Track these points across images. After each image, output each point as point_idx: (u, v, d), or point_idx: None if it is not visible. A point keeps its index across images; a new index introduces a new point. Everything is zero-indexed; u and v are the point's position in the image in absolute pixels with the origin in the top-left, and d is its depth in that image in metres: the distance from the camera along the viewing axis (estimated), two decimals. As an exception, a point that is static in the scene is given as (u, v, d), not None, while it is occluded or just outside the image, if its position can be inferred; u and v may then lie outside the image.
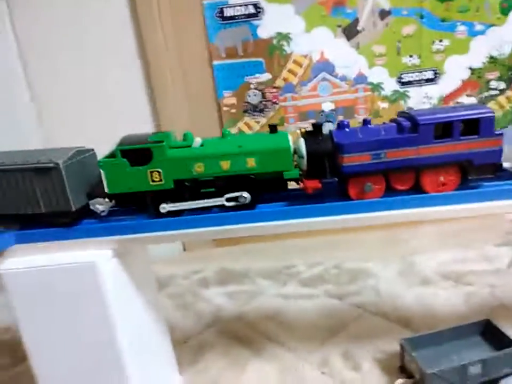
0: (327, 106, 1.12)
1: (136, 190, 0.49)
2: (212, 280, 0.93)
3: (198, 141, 0.50)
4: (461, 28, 1.08)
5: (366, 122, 0.50)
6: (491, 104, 1.10)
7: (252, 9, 1.04)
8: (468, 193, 0.48)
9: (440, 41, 1.09)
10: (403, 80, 1.11)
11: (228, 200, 0.49)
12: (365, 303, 0.80)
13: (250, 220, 0.49)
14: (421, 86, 1.11)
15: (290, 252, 1.03)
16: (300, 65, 1.08)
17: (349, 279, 0.89)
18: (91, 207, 0.49)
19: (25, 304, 0.46)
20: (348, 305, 0.80)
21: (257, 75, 1.09)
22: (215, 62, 1.07)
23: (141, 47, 1.03)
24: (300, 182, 0.50)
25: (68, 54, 1.03)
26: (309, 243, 1.04)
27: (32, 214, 0.48)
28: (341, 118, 1.12)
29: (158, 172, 0.48)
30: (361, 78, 1.10)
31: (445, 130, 0.47)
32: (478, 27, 1.07)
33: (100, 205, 0.49)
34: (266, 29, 1.05)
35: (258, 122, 1.12)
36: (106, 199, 0.50)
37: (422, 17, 1.07)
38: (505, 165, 0.51)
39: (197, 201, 0.49)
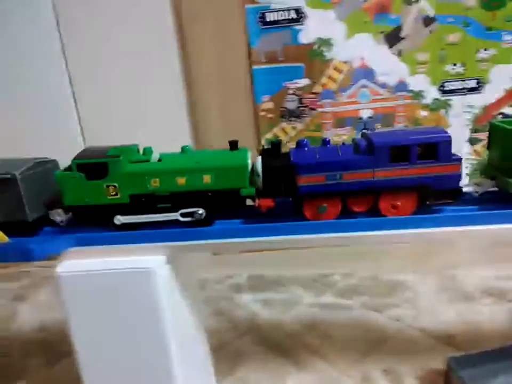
0: (366, 114, 1.10)
1: (92, 203, 0.49)
2: (245, 287, 0.93)
3: (155, 155, 0.51)
4: (507, 37, 1.05)
5: (325, 142, 0.50)
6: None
7: (293, 14, 1.03)
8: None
9: (485, 50, 1.06)
10: (445, 89, 1.08)
11: (183, 215, 0.49)
12: (404, 317, 0.78)
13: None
14: (464, 95, 1.09)
15: (323, 260, 1.02)
16: (340, 71, 1.07)
17: (386, 292, 0.87)
18: (50, 217, 0.50)
19: (78, 306, 0.46)
20: (386, 318, 0.78)
21: (296, 80, 1.08)
22: (255, 67, 1.07)
23: (182, 49, 1.03)
24: (255, 200, 0.50)
25: (109, 59, 1.04)
26: (340, 251, 1.02)
27: None
28: (379, 125, 1.10)
29: (114, 186, 0.48)
30: (402, 86, 1.08)
31: (402, 153, 0.46)
32: (525, 37, 1.04)
33: (59, 216, 0.50)
34: (307, 34, 1.04)
35: (294, 128, 1.11)
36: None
37: (467, 25, 1.05)
38: (467, 189, 0.50)
39: (151, 215, 0.49)
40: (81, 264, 0.46)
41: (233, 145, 0.51)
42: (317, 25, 1.04)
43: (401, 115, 1.10)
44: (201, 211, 0.49)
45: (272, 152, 0.49)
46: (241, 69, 1.07)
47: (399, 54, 1.06)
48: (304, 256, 1.03)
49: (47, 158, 0.54)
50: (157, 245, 0.47)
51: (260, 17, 1.03)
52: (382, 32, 1.05)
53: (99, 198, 0.49)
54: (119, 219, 0.49)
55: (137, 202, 0.49)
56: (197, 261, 1.01)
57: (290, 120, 1.11)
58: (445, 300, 0.83)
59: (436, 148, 0.45)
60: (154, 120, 1.07)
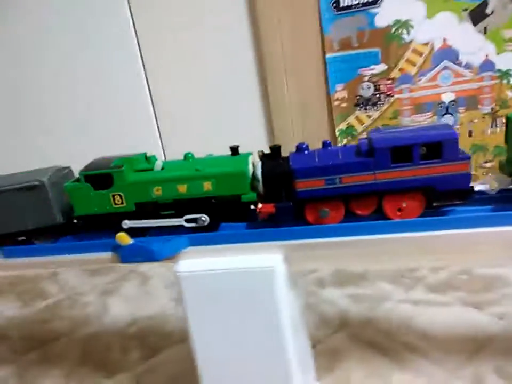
0: (447, 97, 1.04)
1: (100, 212, 0.52)
2: (328, 281, 0.91)
3: (158, 164, 0.52)
4: None
5: (325, 144, 0.49)
6: None
7: (369, -3, 0.99)
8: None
9: None
10: (537, 67, 1.00)
11: (187, 221, 0.50)
12: (508, 314, 0.72)
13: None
14: (558, 72, 1.00)
15: (406, 254, 0.97)
16: (420, 54, 1.01)
17: (483, 287, 0.81)
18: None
19: (197, 305, 0.45)
20: (488, 315, 0.73)
21: (371, 66, 1.03)
22: (328, 55, 1.03)
23: (256, 39, 1.02)
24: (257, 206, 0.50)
25: (182, 44, 1.05)
26: (421, 246, 0.97)
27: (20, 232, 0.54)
28: (462, 109, 1.04)
29: (119, 195, 0.51)
30: (488, 65, 1.00)
31: (404, 154, 0.44)
32: None
33: None
34: (384, 16, 0.99)
35: (370, 116, 1.07)
36: None
37: (561, -5, 0.95)
38: (481, 187, 0.48)
39: (157, 220, 0.51)
40: (200, 263, 0.46)
41: (234, 150, 0.51)
42: (394, 7, 0.99)
43: (486, 97, 1.03)
44: (204, 217, 0.50)
45: (271, 157, 0.49)
46: (314, 59, 1.04)
47: (485, 31, 0.99)
48: (385, 250, 0.99)
49: (63, 165, 0.58)
50: (273, 243, 0.46)
51: (333, 3, 1.00)
52: (465, 10, 0.98)
53: (106, 207, 0.52)
54: (126, 223, 0.52)
55: (142, 210, 0.51)
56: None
57: (366, 109, 1.07)
58: (551, 295, 0.76)
59: (440, 147, 0.43)
60: (228, 113, 1.07)
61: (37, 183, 0.52)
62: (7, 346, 0.82)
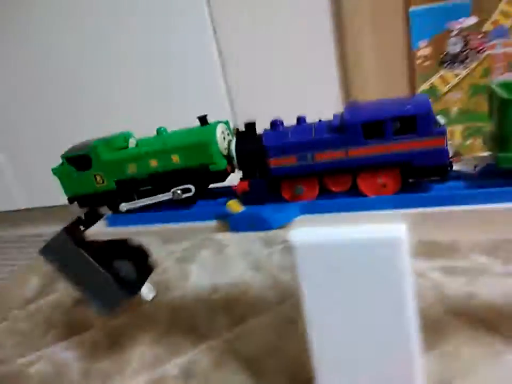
0: (548, 52, 0.94)
1: (86, 192, 0.54)
2: (417, 253, 0.86)
3: (132, 141, 0.54)
4: None
5: (300, 120, 0.47)
6: None
7: None
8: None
9: None
10: None
11: (174, 193, 0.51)
12: None
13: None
14: None
15: (499, 224, 0.91)
16: (518, 4, 0.91)
17: None
18: None
19: (312, 276, 0.43)
20: None
21: (461, 19, 0.94)
22: (412, 8, 0.95)
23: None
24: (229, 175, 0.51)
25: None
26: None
27: None
28: None
29: (99, 175, 0.53)
30: None
31: (376, 129, 0.42)
32: None
33: None
34: (478, -38, 0.89)
35: (457, 75, 0.99)
36: None
37: None
38: (462, 168, 0.46)
39: (148, 198, 0.52)
40: (316, 232, 0.43)
41: (202, 120, 0.50)
42: (491, -50, 0.89)
43: None
44: (190, 188, 0.50)
45: (246, 134, 0.49)
46: (396, 12, 0.96)
47: None
48: (475, 220, 0.93)
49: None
50: (396, 212, 0.42)
51: (421, -52, 0.91)
52: None
53: (91, 187, 0.54)
54: (124, 206, 0.53)
55: (123, 188, 0.53)
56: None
57: (452, 67, 0.98)
58: None
59: (415, 121, 0.41)
60: (301, 73, 1.02)
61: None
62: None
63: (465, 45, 0.96)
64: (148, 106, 1.14)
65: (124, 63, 1.12)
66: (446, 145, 0.42)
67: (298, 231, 0.44)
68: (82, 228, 0.57)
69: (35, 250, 1.35)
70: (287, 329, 0.70)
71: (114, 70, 1.14)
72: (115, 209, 0.55)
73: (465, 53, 0.96)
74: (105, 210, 0.59)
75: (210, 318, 0.76)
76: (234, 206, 0.46)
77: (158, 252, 1.05)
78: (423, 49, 0.98)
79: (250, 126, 0.48)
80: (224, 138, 0.50)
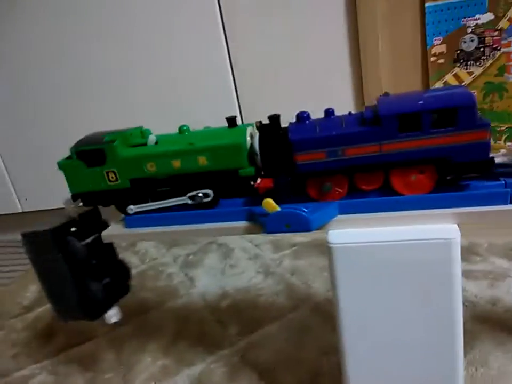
0: None
1: (95, 190, 0.50)
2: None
3: (152, 138, 0.49)
4: None
5: (328, 113, 0.44)
6: None
7: None
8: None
9: None
10: None
11: (190, 198, 0.48)
12: None
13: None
14: None
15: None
16: (535, -1, 0.88)
17: None
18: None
19: (351, 279, 0.40)
20: None
21: (477, 16, 0.91)
22: (428, 3, 0.92)
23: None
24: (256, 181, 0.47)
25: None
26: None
27: None
28: None
29: (113, 172, 0.49)
30: None
31: (413, 122, 0.39)
32: None
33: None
34: (496, -44, 0.87)
35: (471, 73, 0.96)
36: None
37: None
38: (498, 159, 0.43)
39: (160, 202, 0.49)
40: (355, 234, 0.40)
41: (231, 122, 0.47)
42: None
43: None
44: (208, 193, 0.47)
45: (270, 128, 0.45)
46: (411, 7, 0.93)
47: None
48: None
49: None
50: (445, 211, 0.39)
51: None
52: None
53: (101, 184, 0.49)
54: (132, 208, 0.50)
55: (138, 187, 0.49)
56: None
57: (467, 65, 0.95)
58: None
59: (456, 113, 0.38)
60: (314, 69, 0.98)
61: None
62: (97, 318, 0.80)
63: (481, 42, 0.93)
64: (153, 104, 1.11)
65: (133, 63, 1.09)
66: (489, 139, 0.39)
67: (336, 233, 0.41)
68: (74, 229, 0.53)
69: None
70: (302, 337, 0.66)
71: (119, 71, 1.10)
72: (123, 210, 0.51)
73: (480, 50, 0.93)
74: (105, 211, 0.55)
75: (220, 326, 0.72)
76: (271, 205, 0.41)
77: (162, 256, 1.01)
78: (437, 47, 0.95)
79: (275, 119, 0.45)
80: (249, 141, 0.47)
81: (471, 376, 0.54)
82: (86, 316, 0.54)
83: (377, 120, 0.40)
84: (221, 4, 0.99)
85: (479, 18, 0.91)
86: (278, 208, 0.41)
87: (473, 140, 0.38)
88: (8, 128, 1.25)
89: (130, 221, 0.50)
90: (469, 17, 0.92)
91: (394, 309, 0.40)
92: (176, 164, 0.46)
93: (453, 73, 0.96)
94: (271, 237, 0.99)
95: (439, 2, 0.92)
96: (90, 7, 1.06)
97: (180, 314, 0.77)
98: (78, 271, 0.52)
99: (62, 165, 0.50)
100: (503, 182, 0.41)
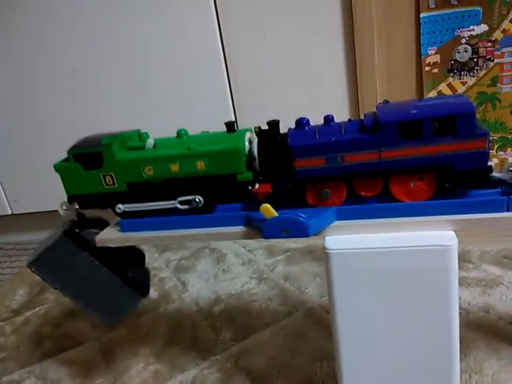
0: (556, 62, 0.93)
1: (92, 192, 0.49)
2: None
3: (150, 142, 0.49)
4: None
5: (328, 120, 0.44)
6: None
7: None
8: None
9: None
10: None
11: (181, 203, 0.47)
12: None
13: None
14: None
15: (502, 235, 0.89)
16: (528, 12, 0.90)
17: None
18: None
19: (348, 286, 0.40)
20: None
21: (471, 27, 0.93)
22: (423, 14, 0.93)
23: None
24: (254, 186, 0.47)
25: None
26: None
27: None
28: None
29: (110, 175, 0.48)
30: None
31: (413, 129, 0.39)
32: None
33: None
34: (490, -31, 0.88)
35: (464, 83, 0.97)
36: None
37: None
38: (497, 174, 0.43)
39: (150, 203, 0.48)
40: (352, 240, 0.40)
41: (230, 127, 0.47)
42: (502, -42, 0.88)
43: None
44: (198, 198, 0.47)
45: (269, 133, 0.45)
46: (407, 17, 0.94)
47: None
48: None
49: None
50: (442, 218, 0.39)
51: (432, -46, 0.89)
52: None
53: (98, 187, 0.49)
54: (120, 207, 0.49)
55: (135, 191, 0.48)
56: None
57: (460, 75, 0.97)
58: None
59: (455, 122, 0.38)
60: (310, 77, 0.99)
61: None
62: (88, 322, 0.79)
63: (474, 53, 0.94)
64: (146, 108, 1.10)
65: (123, 63, 1.08)
66: (488, 148, 0.39)
67: (333, 238, 0.40)
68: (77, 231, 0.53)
69: (20, 259, 1.29)
70: (296, 343, 0.66)
71: (109, 71, 1.10)
72: (121, 213, 0.51)
73: (474, 60, 0.95)
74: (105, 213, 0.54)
75: (213, 331, 0.72)
76: (268, 210, 0.41)
77: (154, 260, 1.00)
78: (432, 57, 0.96)
79: (274, 125, 0.45)
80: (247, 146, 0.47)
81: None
82: (138, 295, 0.53)
83: (377, 128, 0.40)
84: (217, 7, 0.99)
85: (473, 29, 0.93)
86: (276, 214, 0.40)
87: (472, 148, 0.39)
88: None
89: (125, 225, 0.49)
90: (463, 28, 0.93)
91: (391, 315, 0.40)
92: (174, 168, 0.46)
93: (447, 82, 0.98)
94: (264, 242, 0.99)
95: (434, 13, 0.93)
96: (85, 8, 1.05)
97: (172, 319, 0.76)
98: (108, 260, 0.52)
99: (58, 167, 0.50)
100: (500, 190, 0.41)
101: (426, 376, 0.41)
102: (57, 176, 0.50)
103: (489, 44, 0.93)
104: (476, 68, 0.95)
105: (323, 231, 0.42)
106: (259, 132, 0.46)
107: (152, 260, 1.01)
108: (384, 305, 0.40)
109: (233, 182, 0.46)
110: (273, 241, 0.98)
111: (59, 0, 1.06)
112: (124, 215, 0.50)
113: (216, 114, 1.02)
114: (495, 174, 0.44)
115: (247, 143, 0.46)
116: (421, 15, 0.93)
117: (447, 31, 0.94)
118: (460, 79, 0.97)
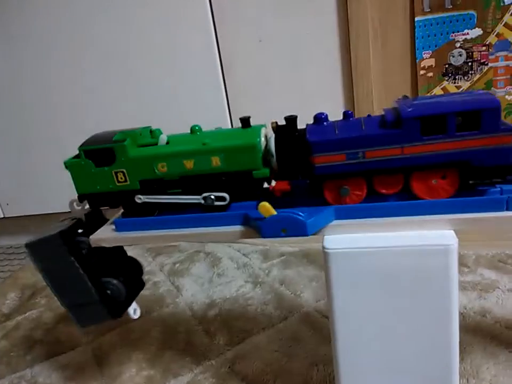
0: (550, 66, 0.93)
1: (103, 191, 0.48)
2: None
3: (163, 138, 0.48)
4: None
5: (347, 115, 0.43)
6: None
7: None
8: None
9: None
10: None
11: (205, 199, 0.46)
12: None
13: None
14: None
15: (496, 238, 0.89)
16: (522, 17, 0.91)
17: None
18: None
19: (347, 286, 0.39)
20: None
21: (465, 31, 0.93)
22: (418, 18, 0.94)
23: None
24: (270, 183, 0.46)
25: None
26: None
27: None
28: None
29: (122, 172, 0.47)
30: None
31: (437, 125, 0.38)
32: None
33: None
34: (484, -26, 0.89)
35: (459, 87, 0.98)
36: None
37: None
38: None
39: (173, 196, 0.47)
40: (351, 239, 0.39)
41: (245, 122, 0.46)
42: (497, -38, 0.88)
43: None
44: (223, 195, 0.45)
45: (287, 129, 0.44)
46: (402, 21, 0.94)
47: None
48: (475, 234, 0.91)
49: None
50: (442, 217, 0.38)
51: (426, -41, 0.90)
52: None
53: (109, 185, 0.48)
54: (140, 198, 0.48)
55: (147, 188, 0.47)
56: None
57: (455, 78, 0.97)
58: None
59: (480, 117, 0.37)
60: (305, 78, 0.99)
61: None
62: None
63: (469, 56, 0.95)
64: (141, 105, 1.10)
65: (120, 61, 1.07)
66: None
67: (332, 238, 0.40)
68: (80, 231, 0.51)
69: (11, 263, 1.27)
70: (291, 348, 0.65)
71: (110, 70, 1.09)
72: (133, 211, 0.49)
73: (468, 64, 0.95)
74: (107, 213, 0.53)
75: (207, 336, 0.71)
76: (267, 209, 0.40)
77: (148, 264, 0.99)
78: (427, 60, 0.97)
79: (291, 120, 0.43)
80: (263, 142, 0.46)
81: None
82: (110, 315, 0.52)
83: (399, 123, 0.39)
84: (213, 10, 0.99)
85: (467, 33, 0.93)
86: (274, 212, 0.40)
87: (498, 144, 0.38)
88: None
89: (121, 225, 0.48)
90: (458, 32, 0.94)
91: (390, 315, 0.40)
92: (189, 164, 0.45)
93: (442, 86, 0.98)
94: (259, 246, 0.98)
95: (429, 17, 0.93)
96: (80, 9, 1.05)
97: (166, 324, 0.75)
98: (93, 271, 0.51)
99: (69, 164, 0.48)
100: (499, 189, 0.41)
101: (427, 377, 0.40)
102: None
103: (484, 48, 0.94)
104: (470, 71, 0.96)
105: (322, 230, 0.41)
106: (276, 127, 0.44)
107: (146, 263, 0.99)
108: (384, 304, 0.39)
109: (249, 179, 0.44)
110: (269, 244, 0.97)
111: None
112: (140, 208, 0.49)
113: (211, 115, 1.01)
114: None
115: (262, 139, 0.45)
116: (416, 18, 0.94)
117: (441, 34, 0.94)
118: (455, 82, 0.97)
